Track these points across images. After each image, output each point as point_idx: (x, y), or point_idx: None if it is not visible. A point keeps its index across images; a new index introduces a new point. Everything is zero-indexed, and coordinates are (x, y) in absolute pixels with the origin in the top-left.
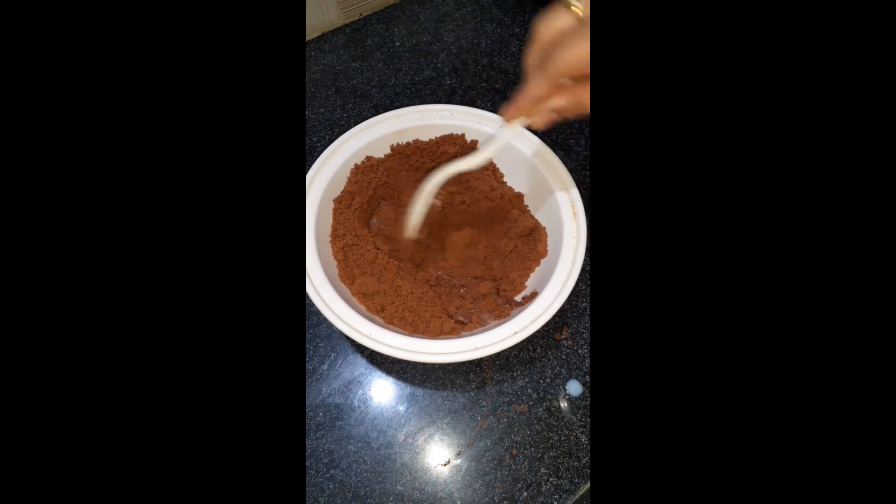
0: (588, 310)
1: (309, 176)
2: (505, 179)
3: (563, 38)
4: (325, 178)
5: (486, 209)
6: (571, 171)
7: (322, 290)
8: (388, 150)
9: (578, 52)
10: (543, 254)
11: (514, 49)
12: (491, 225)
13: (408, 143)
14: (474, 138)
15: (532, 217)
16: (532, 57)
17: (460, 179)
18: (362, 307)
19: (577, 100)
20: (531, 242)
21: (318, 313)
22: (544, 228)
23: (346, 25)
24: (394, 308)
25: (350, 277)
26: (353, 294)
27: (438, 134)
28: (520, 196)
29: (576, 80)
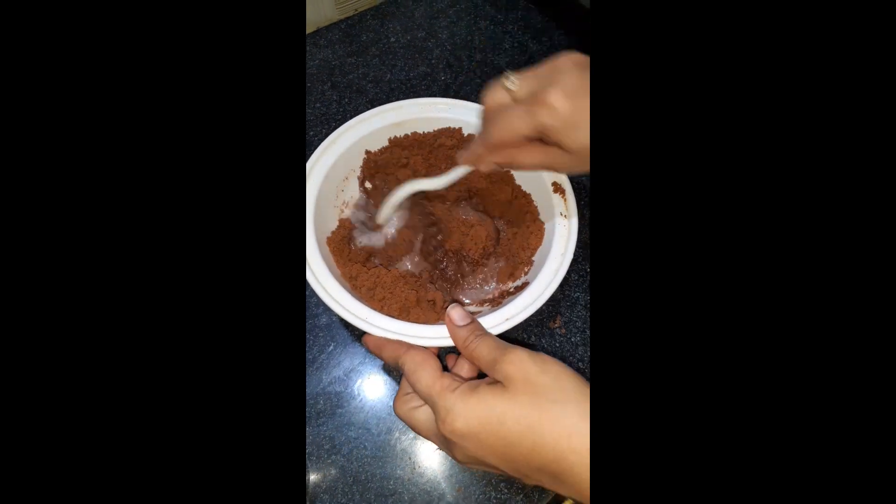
0: (581, 299)
1: (308, 165)
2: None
3: (498, 112)
4: (323, 168)
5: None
6: None
7: (320, 275)
8: (385, 143)
9: (504, 127)
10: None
11: (507, 46)
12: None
13: (406, 136)
14: (471, 132)
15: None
16: (480, 120)
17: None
18: (360, 296)
19: (548, 160)
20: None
21: (317, 304)
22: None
23: (341, 21)
24: (394, 299)
25: (349, 274)
26: (354, 289)
27: (436, 127)
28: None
29: (548, 139)
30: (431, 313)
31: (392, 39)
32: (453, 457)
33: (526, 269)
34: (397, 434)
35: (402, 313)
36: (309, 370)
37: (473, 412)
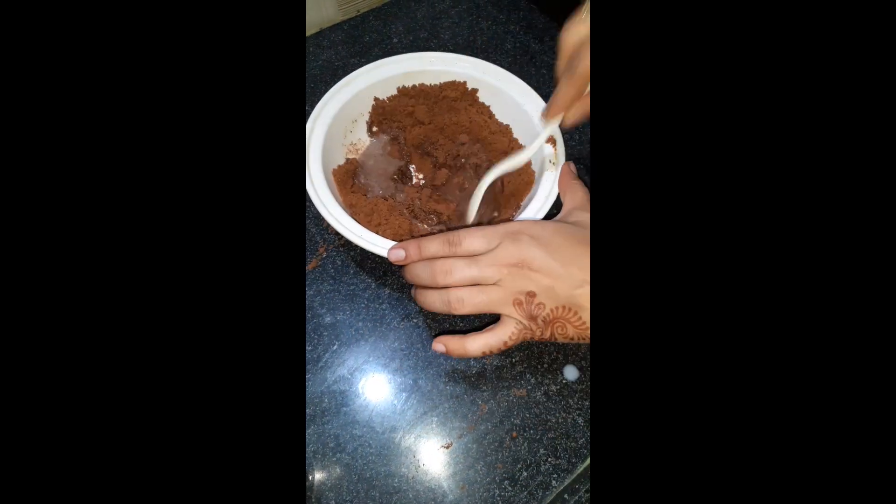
0: None
1: (320, 104)
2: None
3: (581, 47)
4: (335, 106)
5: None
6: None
7: (323, 195)
8: (394, 92)
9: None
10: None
11: (509, 46)
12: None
13: (413, 86)
14: (474, 87)
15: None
16: (560, 63)
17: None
18: (358, 220)
19: None
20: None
21: (321, 304)
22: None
23: (343, 22)
24: (388, 226)
25: (349, 202)
26: (353, 214)
27: (443, 80)
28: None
29: None
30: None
31: (395, 40)
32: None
33: (513, 214)
34: (401, 433)
35: (395, 239)
36: (314, 369)
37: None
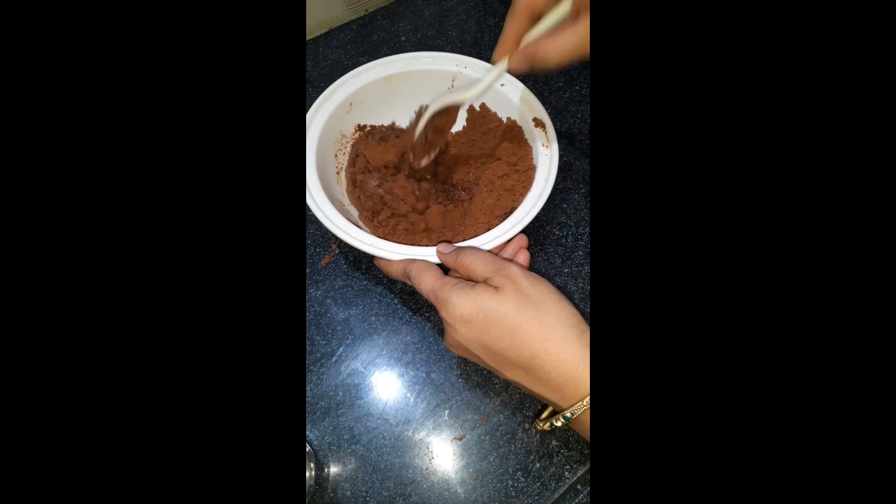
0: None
1: (308, 116)
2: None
3: None
4: (322, 117)
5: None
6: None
7: (325, 209)
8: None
9: None
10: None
11: None
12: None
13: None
14: (457, 81)
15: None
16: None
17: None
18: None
19: (582, 37)
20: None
21: (334, 300)
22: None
23: (352, 21)
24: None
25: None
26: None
27: (424, 78)
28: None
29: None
30: (431, 240)
31: (403, 38)
32: (447, 342)
33: (517, 202)
34: (415, 425)
35: (407, 239)
36: (328, 363)
37: (466, 304)
